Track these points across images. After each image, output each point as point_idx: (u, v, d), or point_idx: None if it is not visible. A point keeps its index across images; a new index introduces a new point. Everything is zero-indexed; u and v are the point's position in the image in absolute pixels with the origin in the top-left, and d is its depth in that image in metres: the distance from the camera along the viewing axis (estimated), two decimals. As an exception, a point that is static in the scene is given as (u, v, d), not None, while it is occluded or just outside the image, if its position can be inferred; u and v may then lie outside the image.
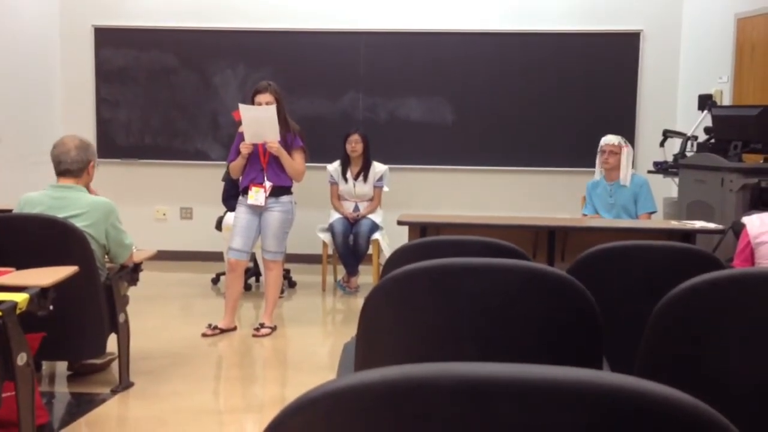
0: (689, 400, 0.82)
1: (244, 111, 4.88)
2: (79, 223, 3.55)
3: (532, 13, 7.18)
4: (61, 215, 3.56)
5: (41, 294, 2.92)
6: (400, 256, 2.42)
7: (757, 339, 1.67)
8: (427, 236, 4.52)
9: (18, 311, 2.77)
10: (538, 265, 1.78)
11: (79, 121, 7.37)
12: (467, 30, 7.17)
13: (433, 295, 1.75)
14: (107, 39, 7.41)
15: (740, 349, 1.68)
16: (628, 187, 5.37)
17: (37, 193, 3.71)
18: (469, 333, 1.74)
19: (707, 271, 1.73)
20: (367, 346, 1.80)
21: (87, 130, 7.28)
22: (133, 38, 7.38)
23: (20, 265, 3.20)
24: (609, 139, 5.40)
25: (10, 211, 3.92)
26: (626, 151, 5.38)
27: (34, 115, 7.08)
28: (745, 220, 3.29)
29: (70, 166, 3.71)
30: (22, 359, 2.78)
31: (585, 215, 5.60)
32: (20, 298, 2.79)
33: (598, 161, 5.48)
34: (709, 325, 1.70)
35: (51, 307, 2.98)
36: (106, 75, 7.44)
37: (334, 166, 6.53)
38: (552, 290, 1.72)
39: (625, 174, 5.36)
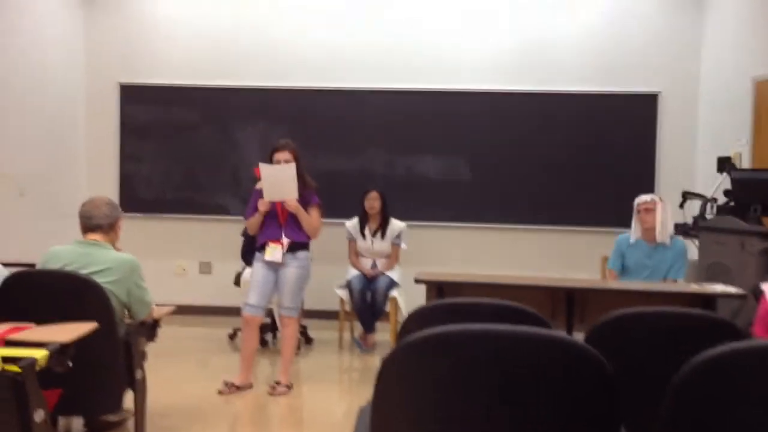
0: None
1: (264, 170, 4.94)
2: (102, 279, 3.57)
3: (551, 74, 7.26)
4: (85, 271, 3.58)
5: (60, 350, 2.93)
6: (417, 318, 2.43)
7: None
8: (444, 295, 4.53)
9: (37, 368, 2.78)
10: (556, 334, 1.77)
11: (103, 175, 7.50)
12: (486, 89, 7.25)
13: (448, 361, 1.74)
14: (132, 96, 7.57)
15: (761, 423, 1.66)
16: (670, 249, 5.29)
17: (63, 247, 3.73)
18: (486, 401, 1.74)
19: (727, 341, 1.72)
20: (382, 415, 1.79)
21: (111, 185, 7.41)
22: (157, 95, 7.54)
23: (40, 321, 3.21)
24: (642, 198, 5.37)
25: (33, 265, 3.95)
26: (660, 206, 5.32)
27: (58, 170, 7.19)
28: (765, 286, 3.27)
29: (101, 221, 3.76)
30: (39, 416, 2.78)
31: (610, 269, 5.52)
32: (39, 354, 2.80)
33: (634, 221, 5.42)
34: (729, 396, 1.69)
35: (70, 364, 2.99)
36: (130, 130, 7.58)
37: (353, 223, 6.57)
38: (570, 360, 1.72)
39: (660, 230, 5.29)
